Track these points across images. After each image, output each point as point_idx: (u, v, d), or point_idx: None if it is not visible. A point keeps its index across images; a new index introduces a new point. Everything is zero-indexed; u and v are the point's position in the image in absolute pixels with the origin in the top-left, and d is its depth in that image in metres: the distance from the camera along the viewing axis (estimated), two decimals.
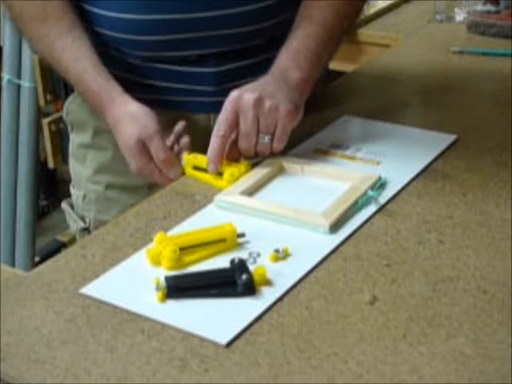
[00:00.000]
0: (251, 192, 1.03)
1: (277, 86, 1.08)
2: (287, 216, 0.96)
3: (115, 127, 1.13)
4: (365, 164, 1.10)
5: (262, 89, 1.06)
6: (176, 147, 1.12)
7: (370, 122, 1.24)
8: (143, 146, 1.09)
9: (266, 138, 1.06)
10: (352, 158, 1.12)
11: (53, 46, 1.14)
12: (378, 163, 1.10)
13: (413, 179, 1.05)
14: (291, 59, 1.11)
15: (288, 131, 1.07)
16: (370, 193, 1.00)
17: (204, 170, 1.07)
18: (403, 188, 1.03)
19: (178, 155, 1.11)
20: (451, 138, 1.17)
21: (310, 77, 1.12)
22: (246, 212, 0.98)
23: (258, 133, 1.06)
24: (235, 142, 1.07)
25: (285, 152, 1.11)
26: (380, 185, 1.03)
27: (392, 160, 1.11)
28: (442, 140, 1.16)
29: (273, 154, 1.08)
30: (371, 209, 0.98)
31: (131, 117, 1.10)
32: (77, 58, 1.13)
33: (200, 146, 1.10)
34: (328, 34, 1.14)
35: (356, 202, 0.98)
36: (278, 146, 1.07)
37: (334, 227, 0.94)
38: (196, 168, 1.09)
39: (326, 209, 0.96)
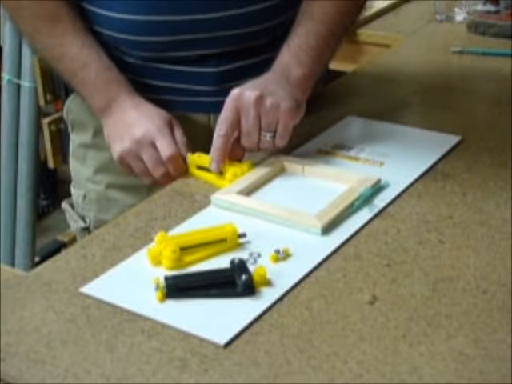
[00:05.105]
0: (249, 191, 1.03)
1: (278, 84, 1.08)
2: (280, 216, 0.96)
3: (140, 104, 1.14)
4: (368, 165, 1.10)
5: (262, 87, 1.06)
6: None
7: (373, 122, 1.24)
8: (170, 126, 1.12)
9: (268, 136, 1.06)
10: (355, 158, 1.12)
11: (71, 43, 1.14)
12: (382, 164, 1.10)
13: (415, 180, 1.05)
14: (293, 56, 1.11)
15: (290, 128, 1.07)
16: (362, 191, 0.99)
17: (207, 170, 1.07)
18: (405, 189, 1.03)
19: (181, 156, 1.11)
20: (455, 139, 1.16)
21: (311, 74, 1.12)
22: (242, 211, 0.98)
23: (259, 130, 1.06)
24: (238, 140, 1.07)
25: (288, 152, 1.11)
26: (378, 187, 1.02)
27: (396, 161, 1.10)
28: (445, 141, 1.16)
29: (277, 150, 1.08)
30: (368, 211, 0.98)
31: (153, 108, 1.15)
32: (99, 57, 1.15)
33: (201, 146, 1.10)
34: (329, 30, 1.13)
35: (351, 204, 0.98)
36: (280, 143, 1.07)
37: (327, 229, 0.94)
38: (199, 168, 1.09)
39: (320, 210, 0.96)
